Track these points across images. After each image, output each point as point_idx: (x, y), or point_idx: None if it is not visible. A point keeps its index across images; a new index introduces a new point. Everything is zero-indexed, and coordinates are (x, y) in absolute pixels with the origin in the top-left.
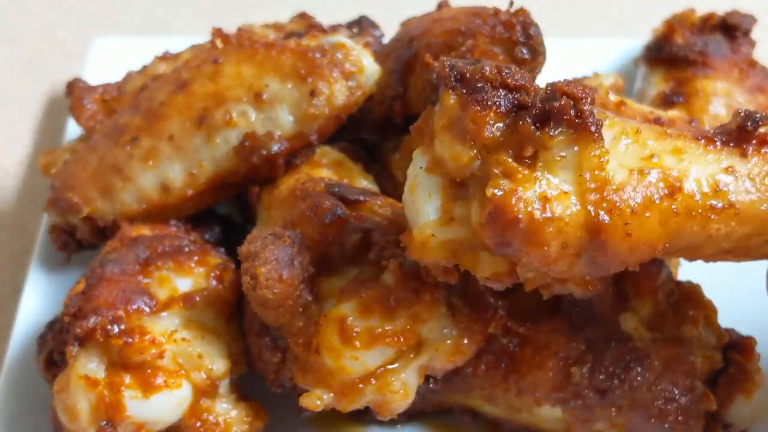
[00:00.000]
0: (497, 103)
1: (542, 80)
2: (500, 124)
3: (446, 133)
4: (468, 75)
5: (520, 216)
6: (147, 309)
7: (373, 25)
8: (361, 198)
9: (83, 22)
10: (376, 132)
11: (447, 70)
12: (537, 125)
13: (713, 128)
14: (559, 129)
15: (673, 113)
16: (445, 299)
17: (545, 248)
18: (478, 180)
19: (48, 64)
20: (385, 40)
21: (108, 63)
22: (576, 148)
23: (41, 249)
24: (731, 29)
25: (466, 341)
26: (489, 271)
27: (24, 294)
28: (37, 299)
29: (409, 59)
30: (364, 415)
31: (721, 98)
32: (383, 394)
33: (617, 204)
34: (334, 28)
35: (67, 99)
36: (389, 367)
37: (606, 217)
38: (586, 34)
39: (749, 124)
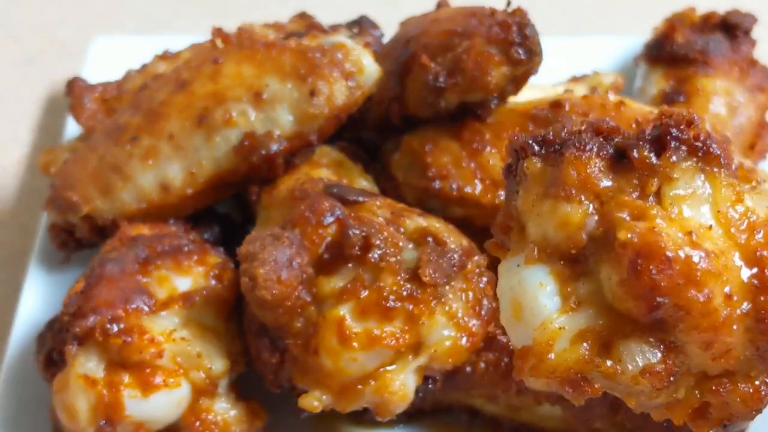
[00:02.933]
0: (595, 147)
1: (542, 80)
2: (605, 170)
3: (541, 204)
4: (551, 135)
5: (669, 254)
6: (146, 308)
7: (373, 26)
8: (360, 199)
9: (83, 21)
10: (375, 132)
11: (524, 141)
12: (654, 154)
13: None
14: (681, 153)
15: None
16: (444, 300)
17: (708, 296)
18: (599, 242)
19: (48, 62)
20: (385, 40)
21: (108, 62)
22: (702, 177)
23: (41, 248)
24: (732, 28)
25: (464, 341)
26: (640, 362)
27: (23, 293)
28: (37, 298)
29: (406, 60)
30: (363, 415)
31: (722, 97)
32: (382, 395)
33: None
34: (334, 28)
35: (66, 98)
36: (388, 368)
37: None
38: (586, 32)
39: None
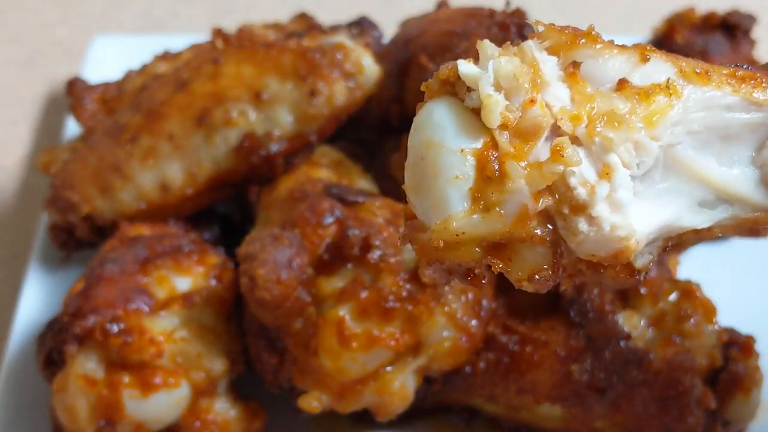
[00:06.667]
0: None
1: None
2: None
3: None
4: None
5: None
6: (146, 308)
7: (373, 26)
8: (360, 199)
9: (83, 21)
10: (375, 132)
11: None
12: None
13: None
14: None
15: None
16: (443, 300)
17: None
18: None
19: (48, 62)
20: (385, 41)
21: (108, 62)
22: None
23: (40, 248)
24: (731, 28)
25: (464, 342)
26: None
27: (23, 293)
28: (37, 298)
29: (405, 61)
30: (363, 416)
31: None
32: (381, 395)
33: None
34: (334, 29)
35: (67, 98)
36: (387, 368)
37: None
38: None
39: None
